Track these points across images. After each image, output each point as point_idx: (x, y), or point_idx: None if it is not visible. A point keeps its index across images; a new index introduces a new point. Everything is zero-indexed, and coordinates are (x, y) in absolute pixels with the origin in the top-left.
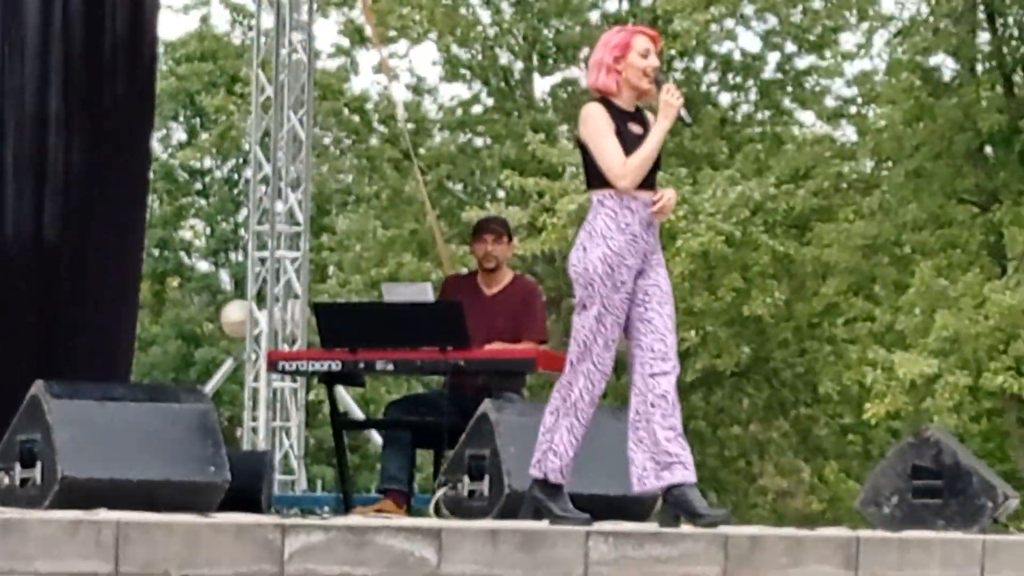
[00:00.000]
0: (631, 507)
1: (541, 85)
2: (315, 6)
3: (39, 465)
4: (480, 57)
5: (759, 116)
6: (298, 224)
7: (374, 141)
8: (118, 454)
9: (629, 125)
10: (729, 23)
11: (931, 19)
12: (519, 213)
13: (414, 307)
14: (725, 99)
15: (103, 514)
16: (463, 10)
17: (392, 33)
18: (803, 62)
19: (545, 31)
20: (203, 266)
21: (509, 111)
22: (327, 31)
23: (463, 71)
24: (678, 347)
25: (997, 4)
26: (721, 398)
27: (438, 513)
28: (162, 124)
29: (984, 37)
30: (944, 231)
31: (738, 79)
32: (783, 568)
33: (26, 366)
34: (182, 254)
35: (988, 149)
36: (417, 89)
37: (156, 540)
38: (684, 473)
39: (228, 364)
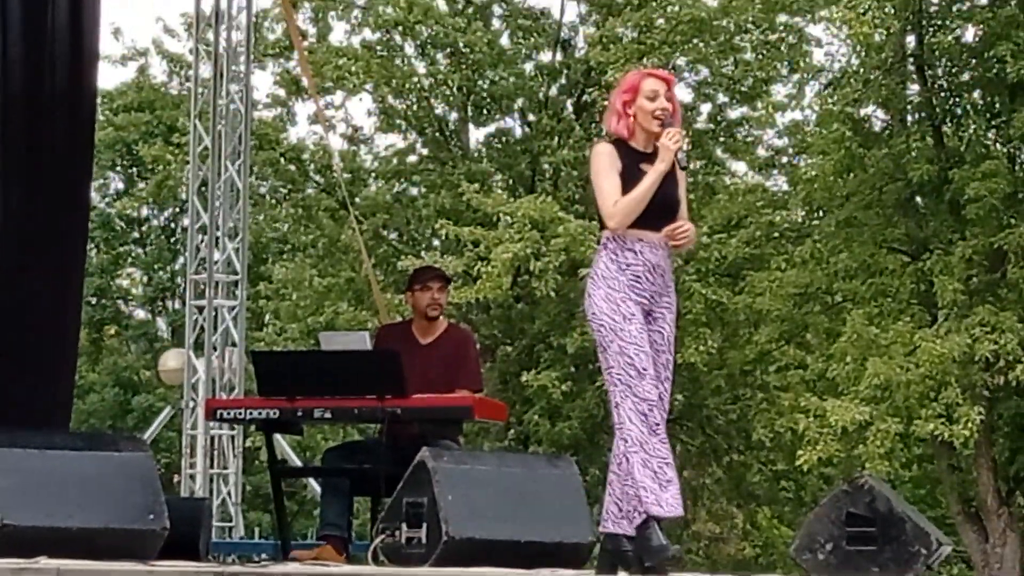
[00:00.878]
0: (568, 554)
1: (476, 135)
2: (252, 57)
3: None
4: (415, 108)
5: (692, 166)
6: (235, 273)
7: (310, 190)
8: (58, 502)
9: (641, 166)
10: None
11: (862, 71)
12: (454, 262)
13: (351, 356)
14: None
15: (44, 562)
16: (398, 61)
17: (328, 84)
18: (735, 113)
19: (480, 82)
20: (140, 314)
21: (444, 161)
22: (264, 82)
23: (399, 121)
24: (668, 396)
25: (927, 56)
26: None
27: (376, 560)
28: (100, 173)
29: (914, 88)
30: (875, 280)
31: None
32: None
33: None
34: (120, 302)
35: (918, 199)
36: (353, 139)
37: None
38: (656, 509)
39: (166, 412)
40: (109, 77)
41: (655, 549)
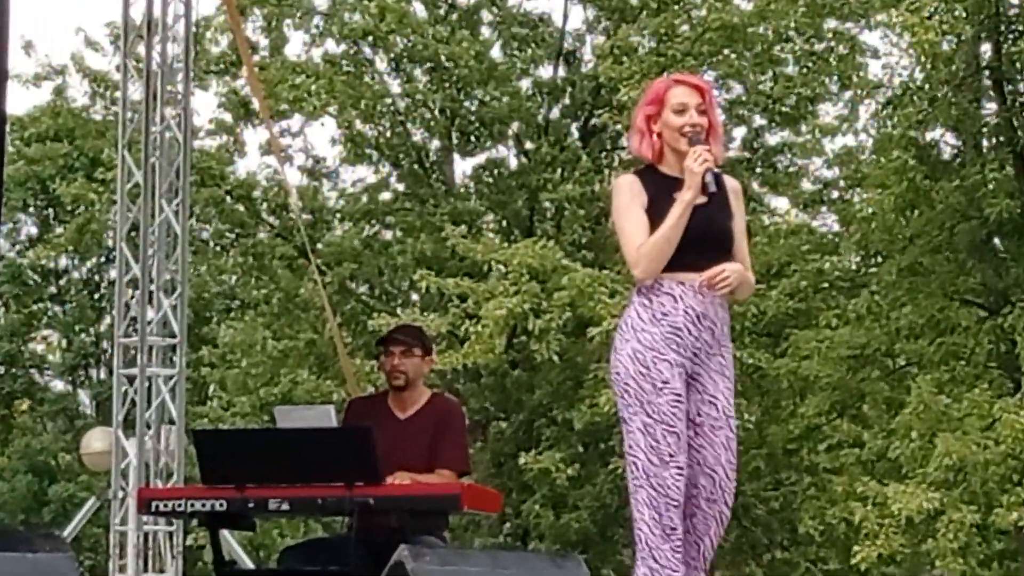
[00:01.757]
0: None
1: (462, 167)
2: (192, 75)
3: None
4: (389, 134)
5: None
6: (173, 335)
7: (263, 235)
8: None
9: (675, 195)
10: None
11: (927, 87)
12: (437, 320)
13: (313, 434)
14: None
15: None
16: (368, 78)
17: (284, 106)
18: (775, 138)
19: (467, 103)
20: (59, 386)
21: (424, 198)
22: (206, 104)
23: (369, 151)
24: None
25: (1006, 68)
26: None
27: None
28: (9, 216)
29: (991, 108)
30: (945, 339)
31: None
32: None
33: None
34: (33, 371)
35: (997, 241)
36: (314, 173)
37: None
38: None
39: (90, 503)
40: (20, 100)
41: None
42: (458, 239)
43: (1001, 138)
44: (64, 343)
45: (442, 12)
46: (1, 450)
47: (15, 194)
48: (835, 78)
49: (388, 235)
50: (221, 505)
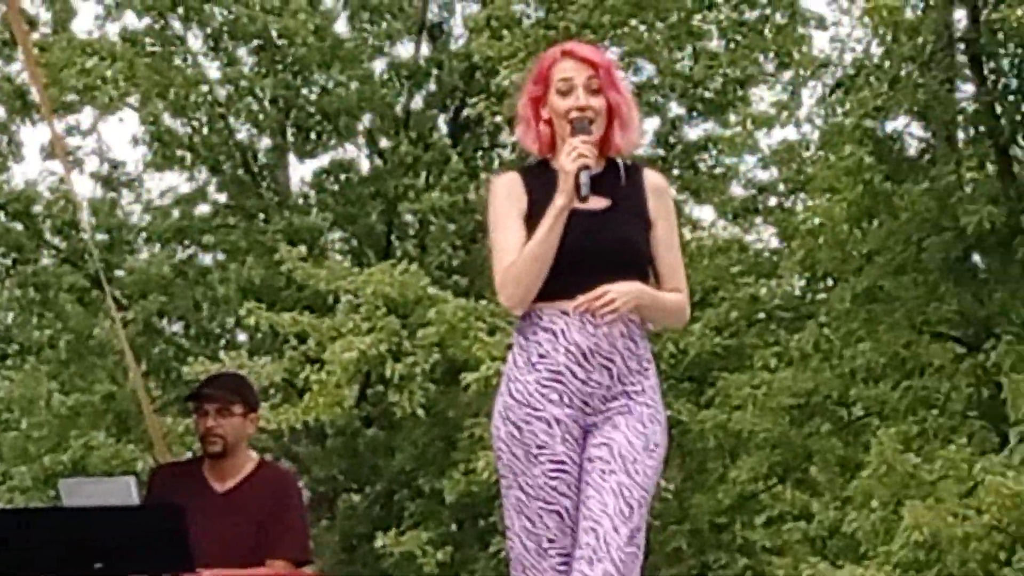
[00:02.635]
0: None
1: (300, 172)
2: None
3: None
4: (206, 131)
5: None
6: None
7: (46, 261)
8: None
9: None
10: None
11: (887, 65)
12: (270, 366)
13: (109, 514)
14: None
15: None
16: (179, 60)
17: (72, 97)
18: (696, 131)
19: (304, 91)
20: None
21: (252, 212)
22: None
23: (181, 153)
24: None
25: (985, 41)
26: None
27: None
28: None
29: (967, 90)
30: (913, 382)
31: None
32: None
33: None
34: None
35: (976, 258)
36: (111, 181)
37: None
38: None
39: None
40: None
41: None
42: (295, 263)
43: (980, 128)
44: None
45: None
46: None
47: None
48: (771, 55)
49: (207, 259)
50: None
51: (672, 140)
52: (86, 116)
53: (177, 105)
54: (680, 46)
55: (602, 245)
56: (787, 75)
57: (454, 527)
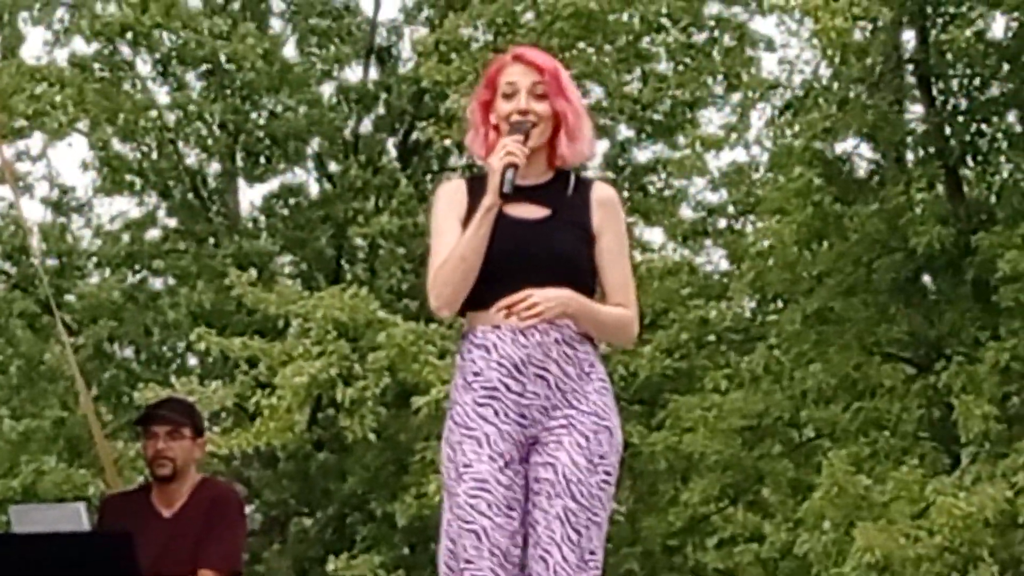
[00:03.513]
0: None
1: (249, 196)
2: None
3: None
4: (155, 156)
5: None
6: None
7: None
8: None
9: (512, 207)
10: None
11: (836, 86)
12: (221, 391)
13: (58, 540)
14: None
15: None
16: (128, 86)
17: (21, 123)
18: (645, 153)
19: (253, 115)
20: None
21: (201, 237)
22: None
23: (130, 178)
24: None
25: (934, 62)
26: None
27: None
28: None
29: (916, 111)
30: (864, 404)
31: None
32: None
33: None
34: None
35: (926, 279)
36: (61, 206)
37: None
38: None
39: None
40: None
41: None
42: (245, 287)
43: (929, 149)
44: None
45: (220, 1)
46: None
47: None
48: (720, 77)
49: (157, 284)
50: None
51: (621, 162)
52: (35, 141)
53: (126, 130)
54: (629, 69)
55: (531, 254)
56: (736, 97)
57: (406, 551)
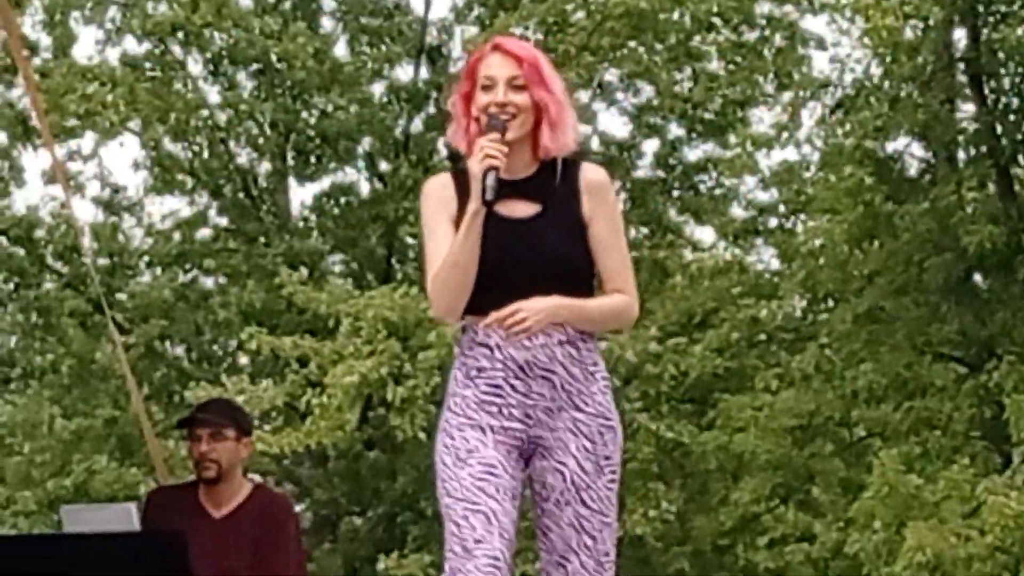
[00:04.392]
0: None
1: (300, 195)
2: None
3: None
4: (207, 155)
5: (631, 235)
6: None
7: (48, 285)
8: None
9: (500, 204)
10: (582, 96)
11: (887, 85)
12: (272, 390)
13: (109, 540)
14: None
15: None
16: (179, 85)
17: (73, 122)
18: (696, 152)
19: (304, 114)
20: None
21: (252, 236)
22: None
23: (182, 177)
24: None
25: (986, 61)
26: None
27: None
28: None
29: (967, 109)
30: (915, 403)
31: None
32: None
33: None
34: None
35: (978, 278)
36: (112, 205)
37: None
38: None
39: None
40: None
41: None
42: (296, 287)
43: (981, 148)
44: None
45: (271, 0)
46: None
47: None
48: (771, 76)
49: (208, 283)
50: None
51: (672, 161)
52: (87, 141)
53: (177, 129)
54: (680, 67)
55: (523, 258)
56: (787, 96)
57: None
